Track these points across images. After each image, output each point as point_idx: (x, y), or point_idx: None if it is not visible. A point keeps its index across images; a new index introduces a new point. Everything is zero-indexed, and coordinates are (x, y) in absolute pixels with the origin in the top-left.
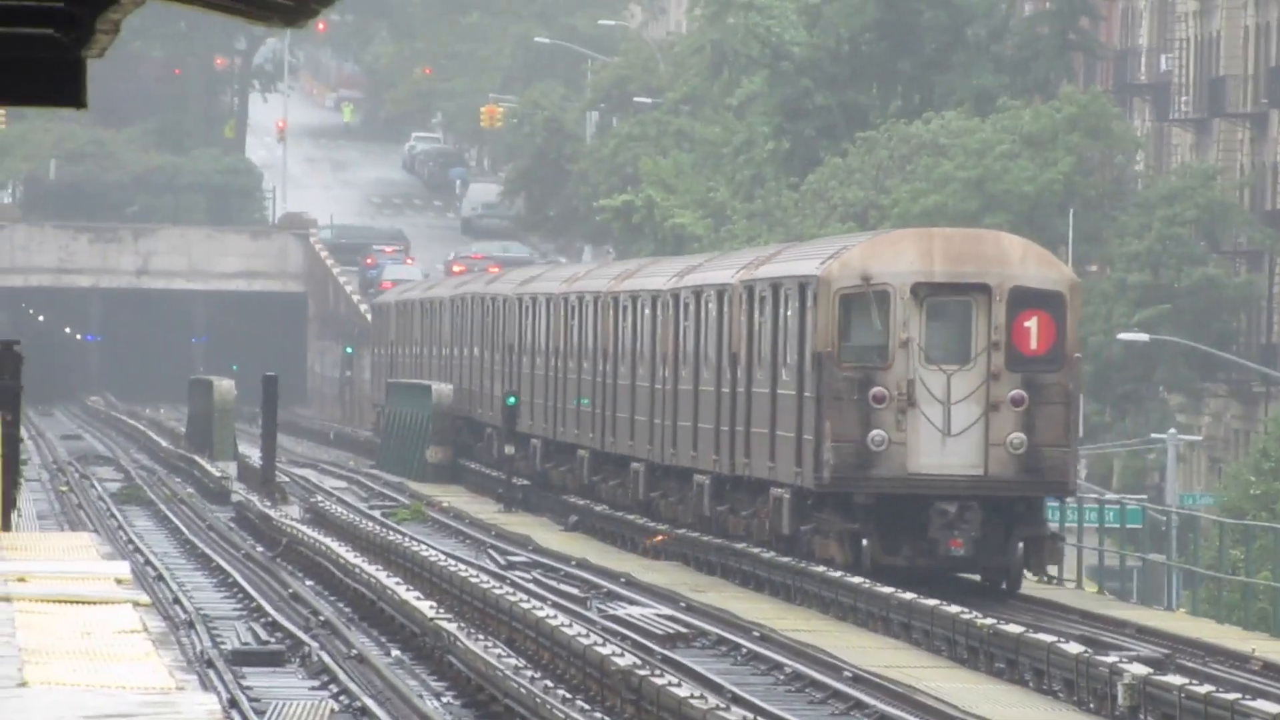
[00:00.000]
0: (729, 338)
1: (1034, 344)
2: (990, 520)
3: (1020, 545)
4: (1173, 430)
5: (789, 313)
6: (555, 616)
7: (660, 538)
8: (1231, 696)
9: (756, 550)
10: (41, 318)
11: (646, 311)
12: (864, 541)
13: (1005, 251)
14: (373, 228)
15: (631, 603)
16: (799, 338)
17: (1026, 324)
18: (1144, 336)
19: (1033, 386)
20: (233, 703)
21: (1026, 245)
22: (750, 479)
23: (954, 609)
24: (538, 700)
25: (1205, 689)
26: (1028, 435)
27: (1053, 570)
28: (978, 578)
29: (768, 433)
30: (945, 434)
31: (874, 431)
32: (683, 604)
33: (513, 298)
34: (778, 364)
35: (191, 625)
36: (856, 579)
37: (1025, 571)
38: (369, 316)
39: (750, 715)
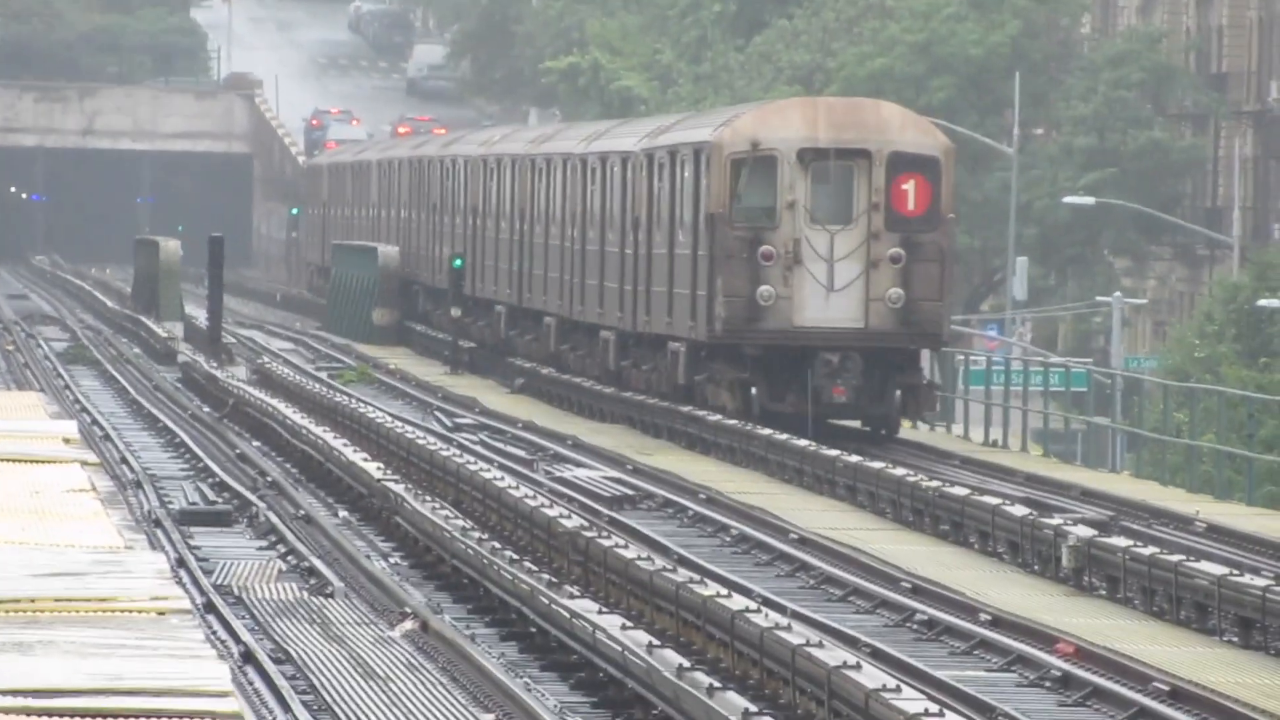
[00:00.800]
0: (631, 201)
1: (911, 205)
2: (870, 370)
3: (898, 393)
4: (1118, 294)
5: (685, 176)
6: (502, 478)
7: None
8: (1175, 558)
9: (703, 413)
10: None
11: (559, 175)
12: (753, 390)
13: (885, 119)
14: None
15: (578, 465)
16: (694, 200)
17: (904, 186)
18: (1089, 200)
19: (910, 245)
20: (180, 562)
21: (905, 113)
22: (651, 335)
23: (900, 471)
24: (484, 561)
25: (1149, 551)
26: (905, 291)
27: (929, 416)
28: (859, 424)
29: (666, 290)
30: (829, 289)
31: (762, 287)
32: (629, 466)
33: (435, 160)
34: (675, 226)
35: (139, 485)
36: (803, 442)
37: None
38: None
39: (696, 577)
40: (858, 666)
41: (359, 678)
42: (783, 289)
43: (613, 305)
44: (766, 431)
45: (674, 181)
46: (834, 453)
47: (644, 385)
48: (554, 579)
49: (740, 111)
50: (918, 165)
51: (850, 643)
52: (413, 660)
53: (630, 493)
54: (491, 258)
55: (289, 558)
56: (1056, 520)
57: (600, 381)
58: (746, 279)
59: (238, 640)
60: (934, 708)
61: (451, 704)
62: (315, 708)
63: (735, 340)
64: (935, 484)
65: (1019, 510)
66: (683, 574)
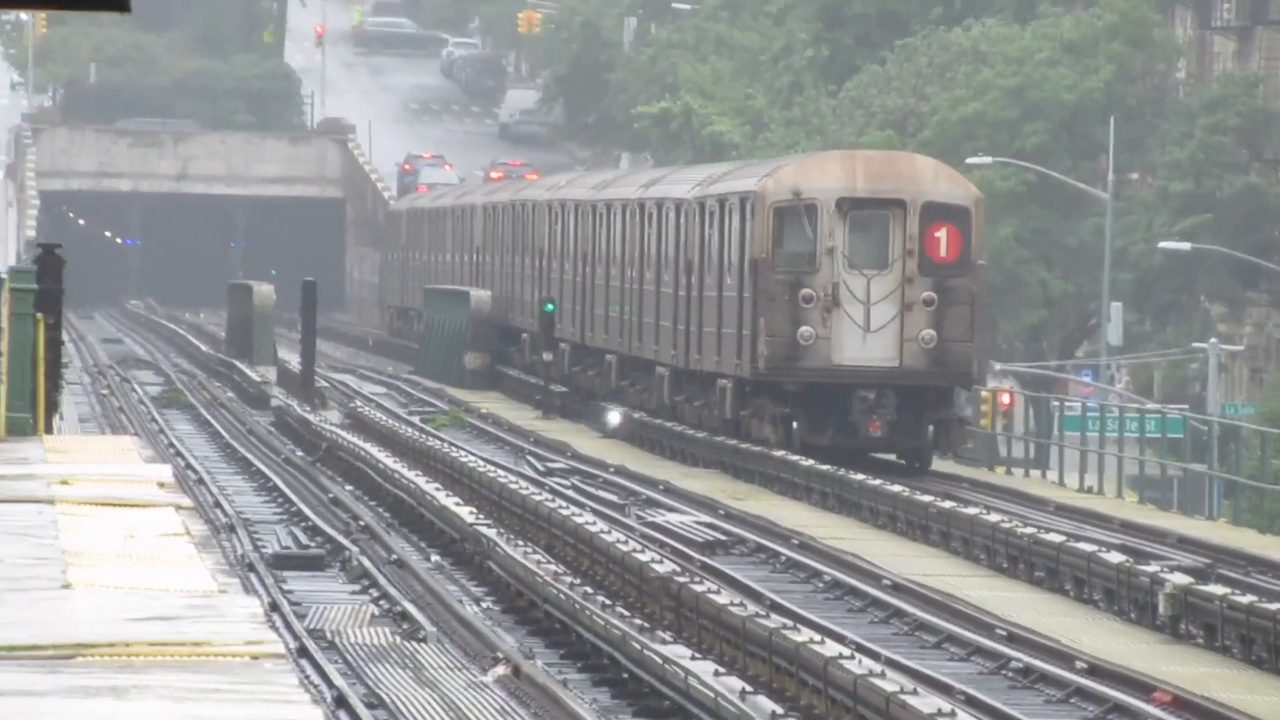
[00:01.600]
0: (684, 246)
1: (943, 252)
2: (904, 406)
3: (930, 428)
4: (1214, 340)
5: (733, 223)
6: (594, 523)
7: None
8: (1274, 607)
9: (795, 459)
10: (82, 221)
11: (618, 219)
12: (794, 424)
13: (919, 171)
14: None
15: (670, 510)
16: (740, 246)
17: (937, 234)
18: (1185, 245)
19: (942, 289)
20: (274, 606)
21: (938, 165)
22: (701, 371)
23: (994, 518)
24: (577, 606)
25: (1247, 599)
26: (937, 332)
27: (964, 450)
28: (894, 456)
29: (715, 330)
30: (865, 330)
31: (803, 328)
32: (721, 511)
33: (507, 206)
34: (723, 269)
35: (232, 529)
36: (896, 488)
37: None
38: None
39: (789, 623)
40: (952, 714)
41: None
42: (822, 330)
43: (667, 343)
44: (860, 477)
45: (723, 228)
46: (927, 498)
47: (695, 419)
48: (646, 624)
49: (783, 163)
50: (950, 214)
51: (944, 690)
52: (505, 705)
53: (722, 538)
54: (557, 298)
55: (381, 602)
56: (1153, 567)
57: (656, 414)
58: (788, 320)
59: (331, 685)
60: None
61: None
62: None
63: (777, 377)
64: (1030, 530)
65: (1115, 557)
66: (775, 620)
